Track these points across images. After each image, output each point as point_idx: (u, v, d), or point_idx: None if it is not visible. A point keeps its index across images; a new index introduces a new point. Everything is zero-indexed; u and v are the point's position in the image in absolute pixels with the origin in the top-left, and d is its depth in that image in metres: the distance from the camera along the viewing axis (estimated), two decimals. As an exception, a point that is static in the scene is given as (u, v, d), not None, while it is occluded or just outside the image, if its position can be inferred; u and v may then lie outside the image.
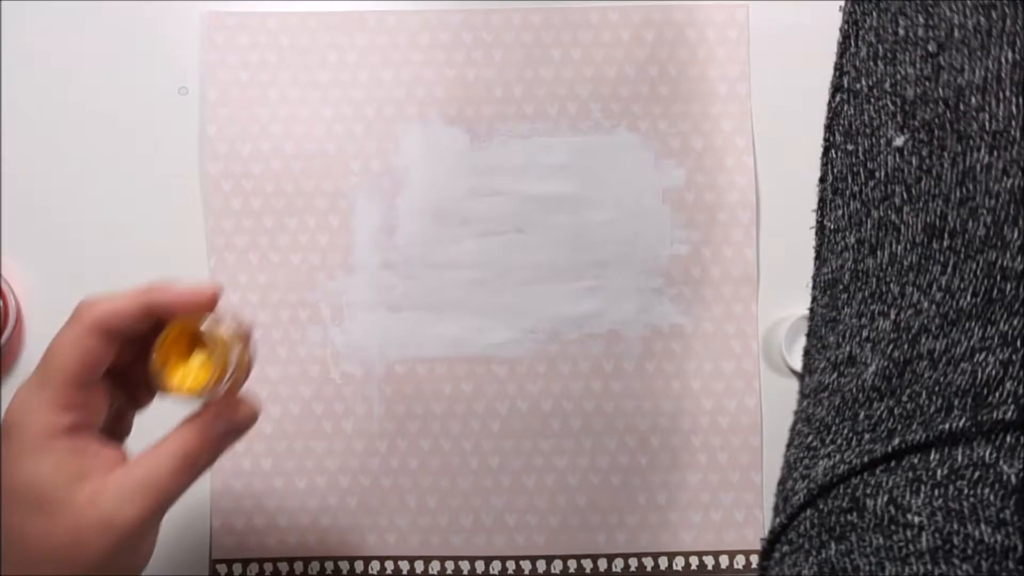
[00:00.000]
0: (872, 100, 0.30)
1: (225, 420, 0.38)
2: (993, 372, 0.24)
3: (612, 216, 0.66)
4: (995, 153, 0.26)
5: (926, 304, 0.27)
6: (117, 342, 0.37)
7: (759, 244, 0.66)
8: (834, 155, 0.33)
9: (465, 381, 0.65)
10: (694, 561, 0.64)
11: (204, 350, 0.38)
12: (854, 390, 0.30)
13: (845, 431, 0.29)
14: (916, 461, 0.25)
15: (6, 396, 0.64)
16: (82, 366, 0.36)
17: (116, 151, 0.65)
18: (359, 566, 0.63)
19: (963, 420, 0.25)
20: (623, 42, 0.66)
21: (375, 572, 0.63)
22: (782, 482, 0.32)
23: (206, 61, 0.66)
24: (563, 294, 0.65)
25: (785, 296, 0.66)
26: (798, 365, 0.65)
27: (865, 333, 0.30)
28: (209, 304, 0.38)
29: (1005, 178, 0.25)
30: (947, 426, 0.25)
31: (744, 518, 0.64)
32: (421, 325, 0.65)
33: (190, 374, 0.37)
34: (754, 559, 0.64)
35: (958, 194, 0.26)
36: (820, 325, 0.34)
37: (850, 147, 0.32)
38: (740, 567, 0.64)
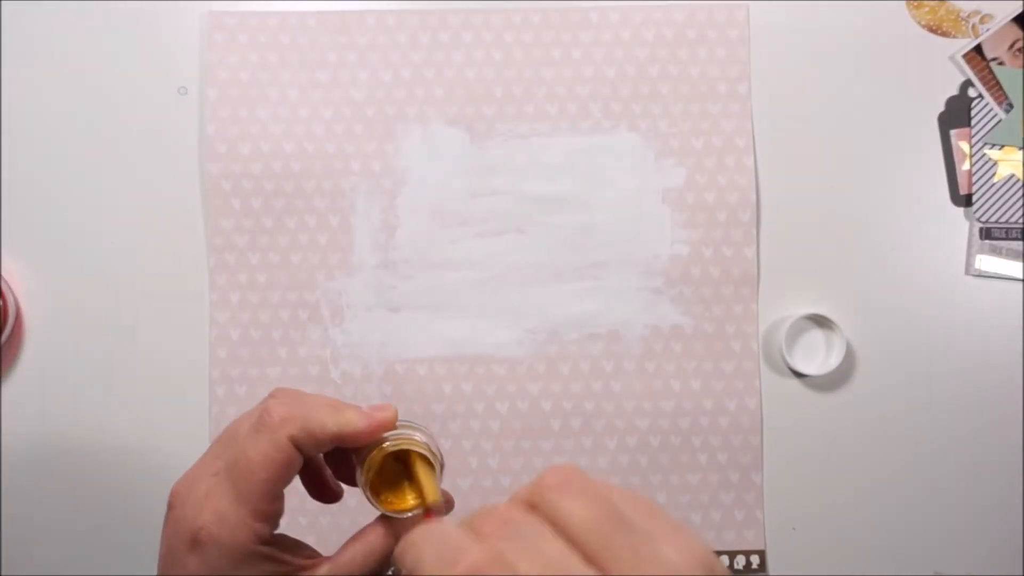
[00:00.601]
0: None
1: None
2: None
3: (612, 216, 0.65)
4: None
5: None
6: (304, 458, 0.38)
7: (759, 244, 0.66)
8: None
9: (465, 381, 0.65)
10: (694, 561, 0.64)
11: (400, 464, 0.39)
12: None
13: None
14: None
15: (6, 395, 0.64)
16: (278, 480, 0.37)
17: (116, 151, 0.65)
18: (359, 566, 0.63)
19: None
20: (623, 42, 0.66)
21: (375, 572, 0.63)
22: None
23: (206, 61, 0.65)
24: (563, 294, 0.65)
25: (785, 296, 0.66)
26: (798, 365, 0.65)
27: None
28: (392, 425, 0.39)
29: None
30: None
31: (744, 518, 0.64)
32: (421, 325, 0.65)
33: (404, 493, 0.39)
34: (754, 559, 0.64)
35: None
36: None
37: None
38: (740, 567, 0.64)
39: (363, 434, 0.38)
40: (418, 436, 0.39)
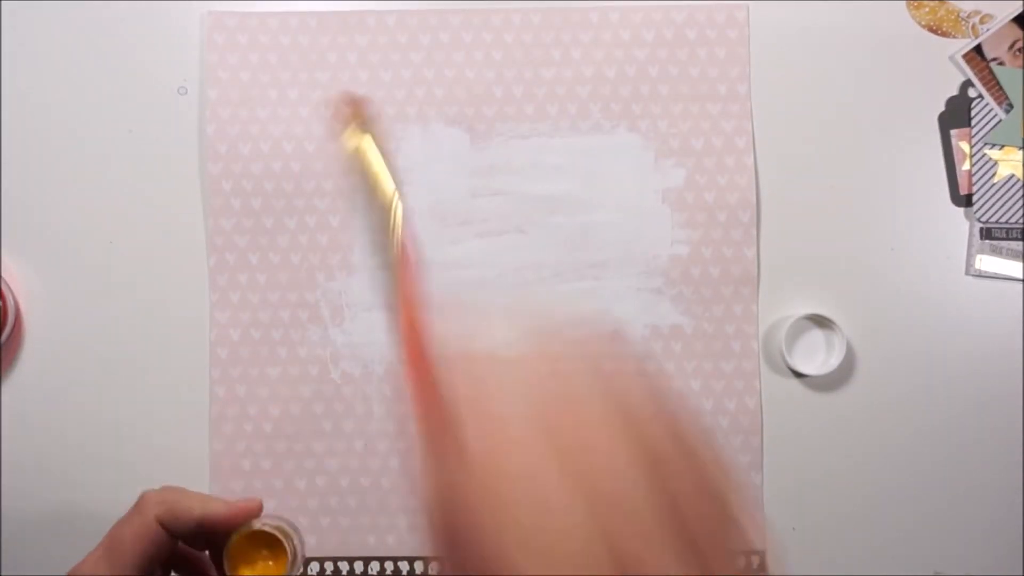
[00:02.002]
0: None
1: None
2: None
3: (612, 216, 0.65)
4: None
5: None
6: (175, 540, 0.43)
7: (759, 244, 0.66)
8: None
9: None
10: (694, 561, 0.64)
11: (265, 548, 0.45)
12: None
13: None
14: None
15: (6, 395, 0.64)
16: (146, 555, 0.42)
17: (116, 151, 0.66)
18: (359, 566, 0.63)
19: None
20: (623, 42, 0.66)
21: (375, 572, 0.63)
22: None
23: (206, 61, 0.66)
24: (563, 294, 0.65)
25: (785, 296, 0.66)
26: (798, 365, 0.65)
27: None
28: (257, 513, 0.44)
29: None
30: None
31: (744, 518, 0.64)
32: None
33: (264, 570, 0.45)
34: (754, 559, 0.64)
35: None
36: None
37: None
38: (740, 567, 0.64)
39: (222, 519, 0.43)
40: (283, 525, 0.45)
